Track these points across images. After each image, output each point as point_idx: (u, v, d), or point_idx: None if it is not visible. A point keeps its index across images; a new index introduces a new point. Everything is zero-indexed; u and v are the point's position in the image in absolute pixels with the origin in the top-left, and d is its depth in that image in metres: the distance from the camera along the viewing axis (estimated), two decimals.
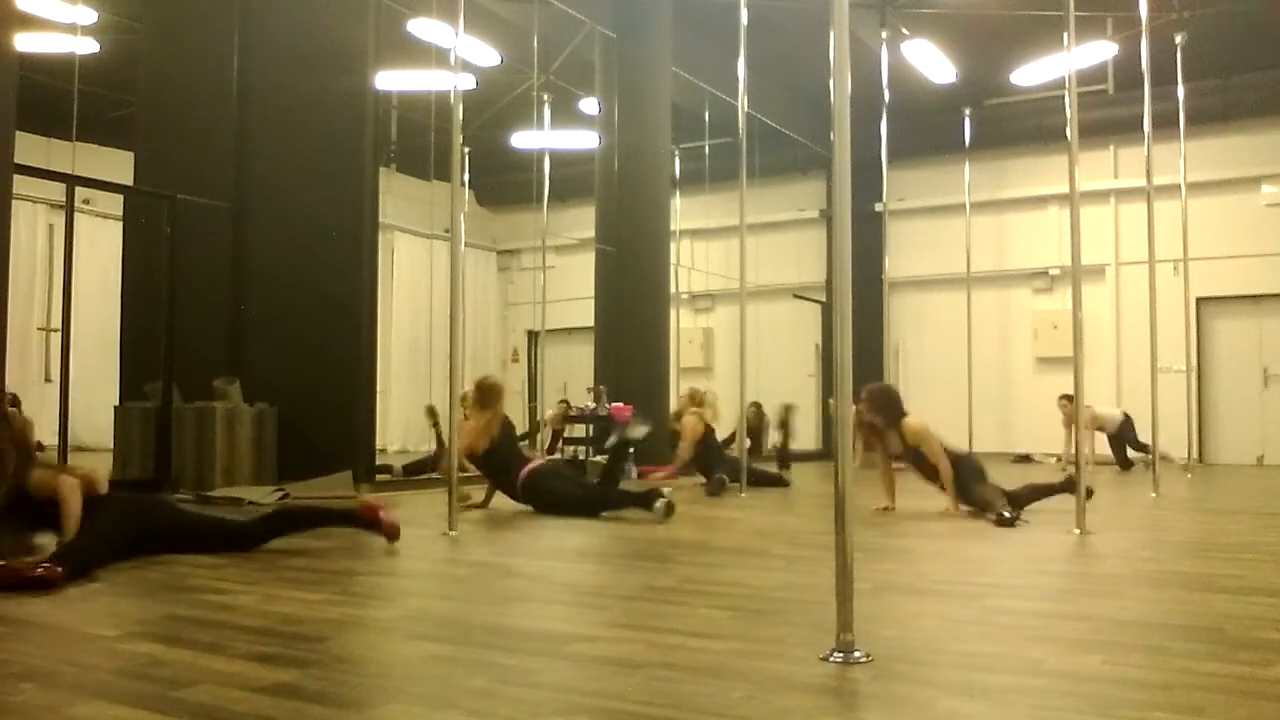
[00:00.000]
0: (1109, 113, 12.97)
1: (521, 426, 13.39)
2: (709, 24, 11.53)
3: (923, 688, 2.39)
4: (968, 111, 13.62)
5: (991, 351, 14.23)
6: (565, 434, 10.97)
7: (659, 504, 5.90)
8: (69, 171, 7.57)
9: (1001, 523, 5.71)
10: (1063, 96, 6.13)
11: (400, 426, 12.89)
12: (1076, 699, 2.26)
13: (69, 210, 7.30)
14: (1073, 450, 10.65)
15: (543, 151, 11.77)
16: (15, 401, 6.02)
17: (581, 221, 12.83)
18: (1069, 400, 11.43)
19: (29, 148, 7.09)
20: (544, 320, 11.75)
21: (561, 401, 12.12)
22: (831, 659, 2.56)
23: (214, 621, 3.04)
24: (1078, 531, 5.39)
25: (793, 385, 14.31)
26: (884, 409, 6.58)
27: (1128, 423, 11.64)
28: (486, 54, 10.78)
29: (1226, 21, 11.45)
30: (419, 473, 8.91)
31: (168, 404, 7.61)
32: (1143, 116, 8.55)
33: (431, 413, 8.43)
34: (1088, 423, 11.12)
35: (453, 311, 5.66)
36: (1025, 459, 13.05)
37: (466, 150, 12.09)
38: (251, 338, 7.92)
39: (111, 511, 4.11)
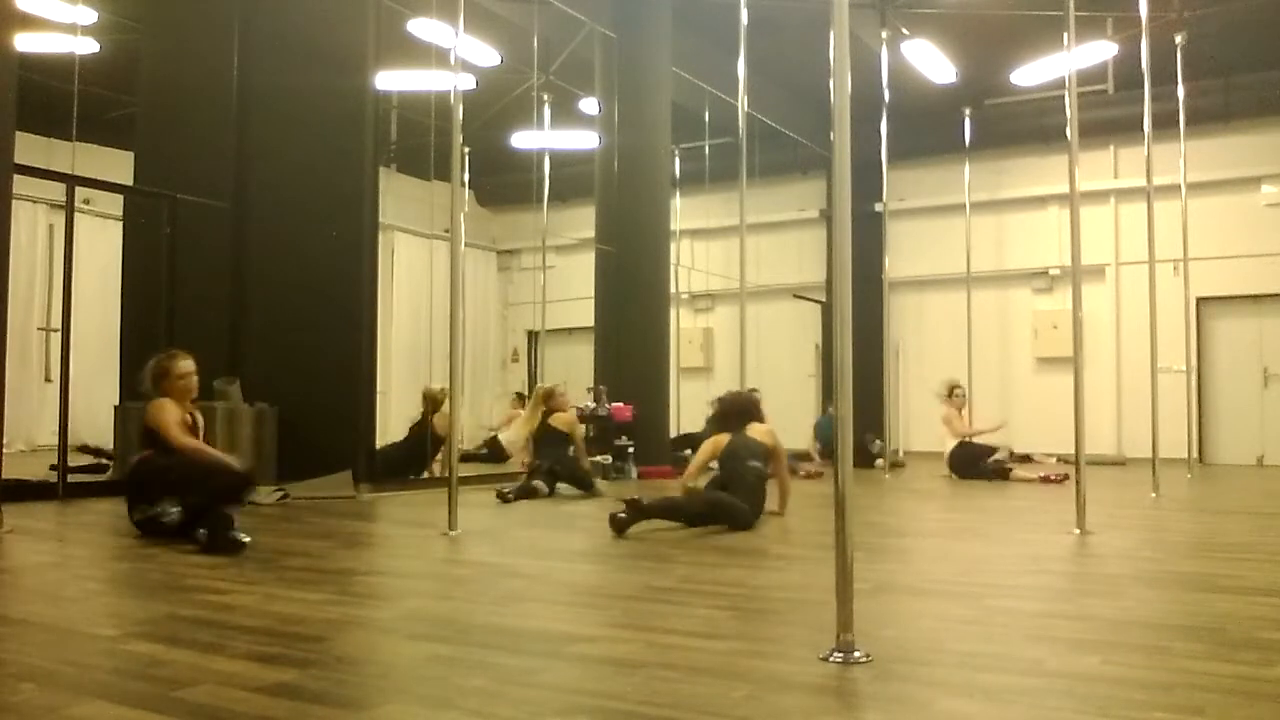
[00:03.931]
0: (1109, 113, 12.96)
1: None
2: (709, 24, 11.52)
3: (923, 688, 2.39)
4: (968, 111, 13.60)
5: (991, 351, 14.21)
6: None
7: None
8: (69, 171, 7.57)
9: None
10: (1063, 96, 6.14)
11: (400, 426, 12.89)
12: (1076, 699, 2.26)
13: (69, 210, 7.30)
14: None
15: (543, 151, 11.77)
16: None
17: (581, 221, 12.82)
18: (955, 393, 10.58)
19: (29, 148, 7.08)
20: (544, 320, 11.76)
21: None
22: (831, 659, 2.56)
23: (214, 621, 3.04)
24: (1078, 531, 5.39)
25: (793, 385, 14.31)
26: (728, 420, 6.13)
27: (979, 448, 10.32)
28: (486, 54, 10.77)
29: (1226, 21, 11.44)
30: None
31: None
32: (1143, 116, 8.55)
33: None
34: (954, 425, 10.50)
35: (453, 311, 5.66)
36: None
37: (466, 150, 12.06)
38: (251, 338, 7.92)
39: None
